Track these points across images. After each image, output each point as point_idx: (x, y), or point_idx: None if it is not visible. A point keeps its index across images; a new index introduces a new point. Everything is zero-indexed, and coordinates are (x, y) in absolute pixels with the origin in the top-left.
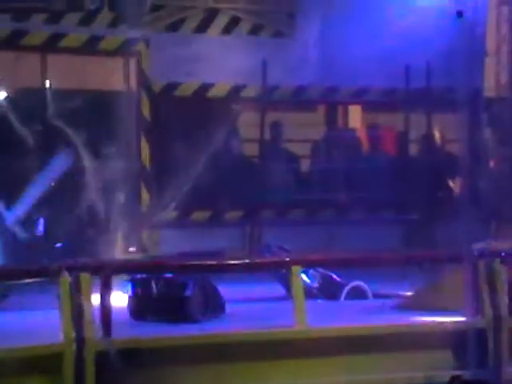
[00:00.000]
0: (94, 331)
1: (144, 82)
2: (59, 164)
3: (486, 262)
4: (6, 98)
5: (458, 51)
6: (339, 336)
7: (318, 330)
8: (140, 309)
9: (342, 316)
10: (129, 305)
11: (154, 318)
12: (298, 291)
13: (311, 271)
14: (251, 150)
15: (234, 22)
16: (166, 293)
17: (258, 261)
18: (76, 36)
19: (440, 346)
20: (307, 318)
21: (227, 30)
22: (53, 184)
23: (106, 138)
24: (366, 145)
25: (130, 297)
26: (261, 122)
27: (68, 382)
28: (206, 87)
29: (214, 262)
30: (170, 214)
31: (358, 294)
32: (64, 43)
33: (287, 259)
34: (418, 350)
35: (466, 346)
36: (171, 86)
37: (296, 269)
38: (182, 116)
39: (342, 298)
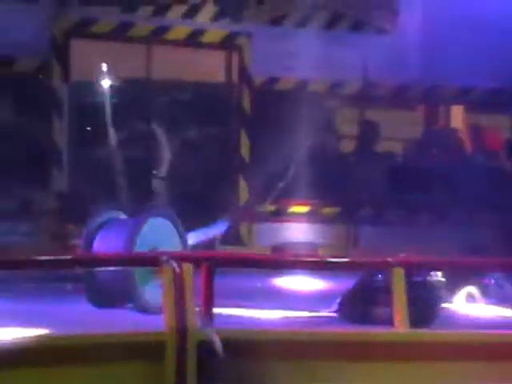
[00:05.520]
0: (195, 321)
1: (246, 76)
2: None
3: None
4: (111, 88)
5: None
6: (438, 342)
7: (419, 334)
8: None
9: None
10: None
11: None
12: (399, 293)
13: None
14: (348, 146)
15: (335, 18)
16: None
17: (358, 260)
18: (180, 28)
19: None
20: None
21: (328, 25)
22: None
23: (206, 129)
24: (468, 145)
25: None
26: (359, 119)
27: (170, 370)
28: (305, 82)
29: (315, 259)
30: (268, 207)
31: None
32: (169, 36)
33: (389, 260)
34: None
35: None
36: (272, 81)
37: (398, 271)
38: (281, 110)
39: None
